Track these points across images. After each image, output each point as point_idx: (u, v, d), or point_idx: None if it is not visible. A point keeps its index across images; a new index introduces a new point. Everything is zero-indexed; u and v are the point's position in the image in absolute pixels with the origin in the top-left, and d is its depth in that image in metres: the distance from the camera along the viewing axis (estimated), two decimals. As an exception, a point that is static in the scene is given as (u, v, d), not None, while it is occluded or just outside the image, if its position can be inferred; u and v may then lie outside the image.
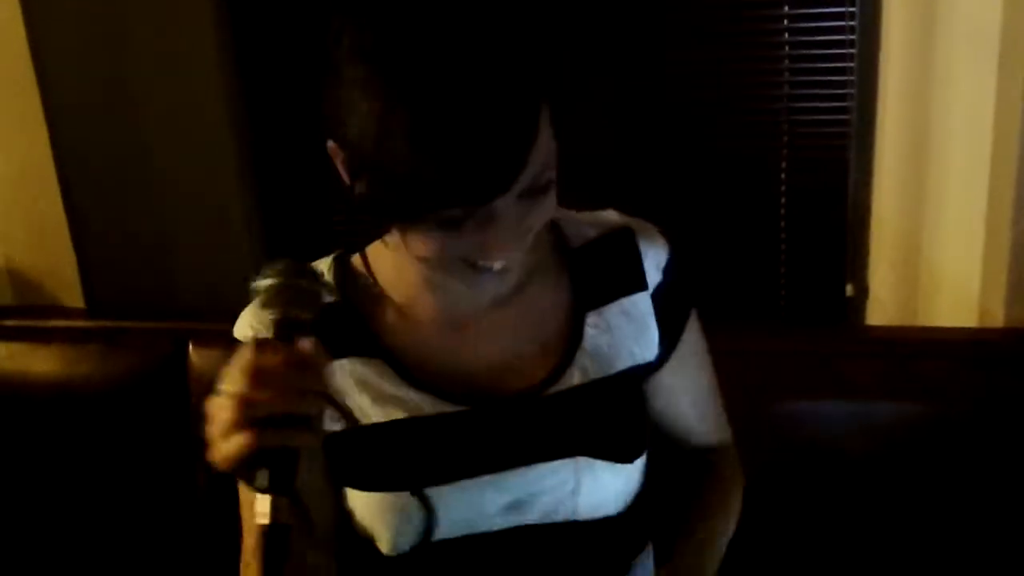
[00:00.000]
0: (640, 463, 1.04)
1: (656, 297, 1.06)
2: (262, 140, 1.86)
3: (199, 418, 0.77)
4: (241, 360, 0.76)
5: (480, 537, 0.98)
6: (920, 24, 1.53)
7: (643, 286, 1.06)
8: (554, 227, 1.06)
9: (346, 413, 0.90)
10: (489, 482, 0.96)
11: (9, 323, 1.90)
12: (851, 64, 1.60)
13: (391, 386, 0.98)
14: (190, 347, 1.71)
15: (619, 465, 1.01)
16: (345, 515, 1.00)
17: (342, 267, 1.03)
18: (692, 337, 1.10)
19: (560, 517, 0.99)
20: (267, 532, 0.74)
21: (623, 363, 1.04)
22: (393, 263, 1.02)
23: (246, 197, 1.87)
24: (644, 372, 1.07)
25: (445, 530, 0.96)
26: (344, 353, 0.98)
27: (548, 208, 0.89)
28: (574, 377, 1.01)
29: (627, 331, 1.04)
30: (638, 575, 1.08)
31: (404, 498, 0.95)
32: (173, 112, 1.81)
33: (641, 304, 1.05)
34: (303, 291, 0.80)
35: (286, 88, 1.82)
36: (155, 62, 1.79)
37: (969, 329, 1.60)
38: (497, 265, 0.89)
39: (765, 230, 1.74)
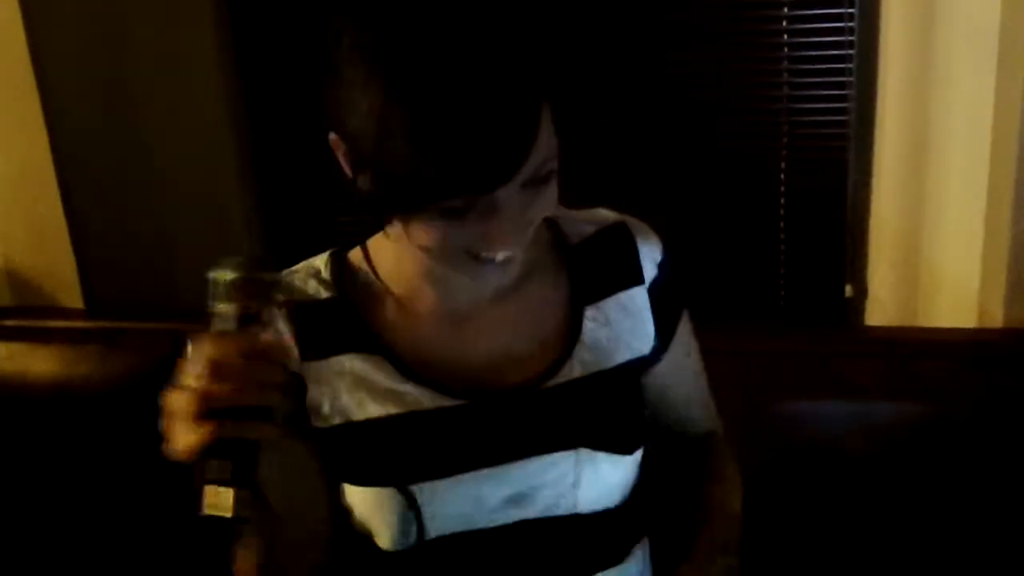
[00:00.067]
0: (638, 455, 1.05)
1: (652, 292, 1.07)
2: (262, 140, 1.86)
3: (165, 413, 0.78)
4: (200, 352, 0.76)
5: (479, 533, 0.98)
6: (919, 24, 1.53)
7: (640, 280, 1.06)
8: (552, 225, 1.06)
9: (305, 406, 0.89)
10: (489, 475, 0.97)
11: (8, 323, 1.90)
12: (850, 64, 1.60)
13: (389, 381, 0.98)
14: (189, 348, 1.71)
15: (619, 457, 1.01)
16: (343, 512, 1.01)
17: (338, 263, 1.03)
18: (685, 331, 1.12)
19: (561, 511, 0.99)
20: (224, 525, 0.74)
21: (621, 356, 1.04)
22: (394, 257, 1.02)
23: (246, 197, 1.87)
24: (641, 365, 1.07)
25: (445, 525, 0.97)
26: (341, 349, 0.98)
27: (550, 199, 0.89)
28: (574, 370, 1.01)
29: (625, 325, 1.05)
30: (634, 566, 1.08)
31: (404, 493, 0.95)
32: (173, 112, 1.81)
33: (638, 298, 1.06)
34: (264, 284, 0.80)
35: (286, 88, 1.82)
36: (155, 62, 1.79)
37: (969, 329, 1.60)
38: (500, 256, 0.89)
39: (764, 230, 1.74)
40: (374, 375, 0.98)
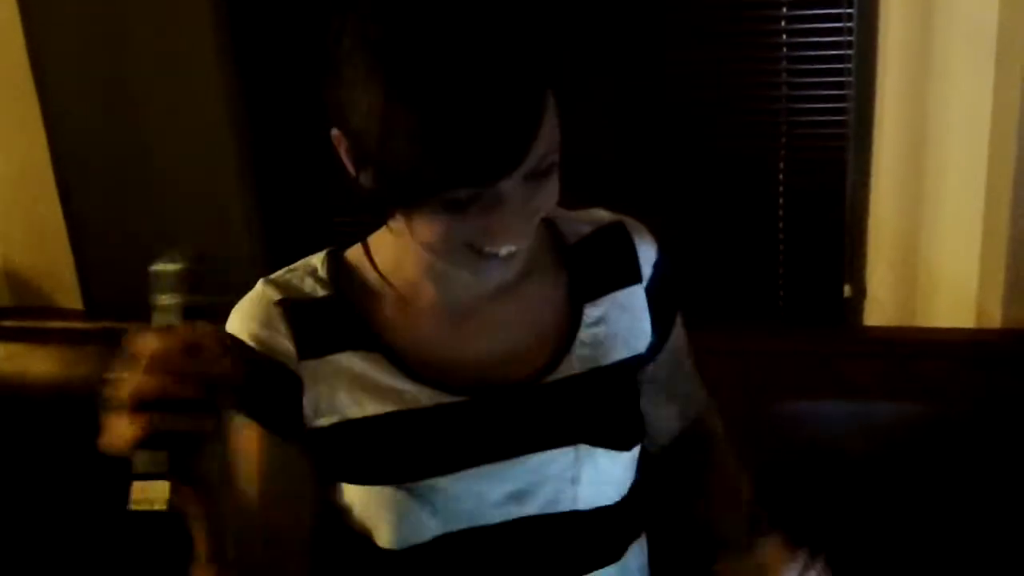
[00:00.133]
0: (636, 451, 1.05)
1: (649, 291, 1.08)
2: (262, 140, 1.86)
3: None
4: (136, 344, 0.75)
5: (479, 530, 0.98)
6: (917, 24, 1.54)
7: (638, 279, 1.07)
8: (549, 224, 1.07)
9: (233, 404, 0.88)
10: (490, 472, 0.97)
11: (7, 324, 1.90)
12: (849, 65, 1.60)
13: (388, 378, 0.97)
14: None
15: (617, 453, 1.02)
16: (337, 511, 1.00)
17: (335, 262, 1.03)
18: (679, 330, 1.13)
19: (561, 507, 1.00)
20: (155, 518, 0.74)
21: (619, 354, 1.05)
22: (394, 253, 1.02)
23: (246, 197, 1.87)
24: (638, 363, 1.08)
25: (446, 523, 0.97)
26: (339, 347, 0.98)
27: (552, 192, 0.89)
28: (573, 366, 1.02)
29: (623, 322, 1.06)
30: (631, 562, 1.09)
31: (405, 491, 0.95)
32: (172, 112, 1.81)
33: (636, 297, 1.07)
34: (203, 277, 0.80)
35: (286, 87, 1.82)
36: (154, 62, 1.79)
37: (967, 329, 1.61)
38: (503, 251, 0.89)
39: (763, 231, 1.74)
40: (373, 373, 0.98)
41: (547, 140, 0.84)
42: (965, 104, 1.53)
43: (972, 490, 1.48)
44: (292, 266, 1.03)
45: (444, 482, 0.95)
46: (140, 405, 0.73)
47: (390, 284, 1.02)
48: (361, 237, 1.05)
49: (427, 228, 0.87)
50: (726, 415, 1.19)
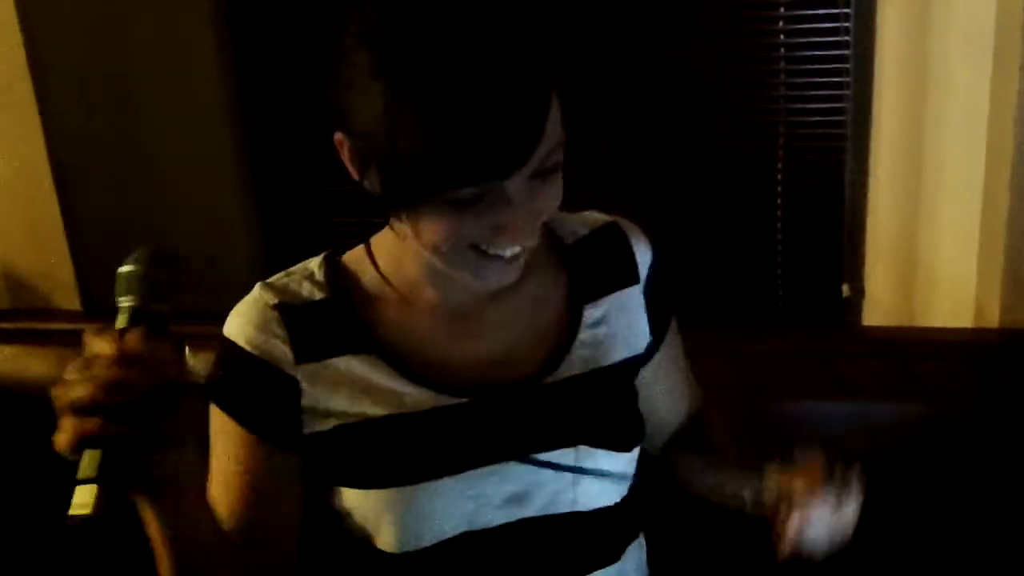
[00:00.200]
0: (635, 452, 1.06)
1: (645, 291, 1.09)
2: (262, 140, 1.86)
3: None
4: (84, 346, 0.75)
5: (479, 532, 0.98)
6: (915, 24, 1.54)
7: (636, 279, 1.08)
8: (546, 226, 1.07)
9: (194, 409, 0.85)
10: (491, 473, 0.97)
11: (5, 326, 1.90)
12: (847, 65, 1.60)
13: (388, 381, 0.98)
14: (186, 350, 1.71)
15: (617, 454, 1.02)
16: (335, 515, 1.00)
17: (332, 265, 1.03)
18: (674, 329, 1.14)
19: (560, 508, 1.00)
20: (78, 523, 0.73)
21: (619, 354, 1.06)
22: (395, 255, 1.02)
23: (245, 198, 1.86)
24: (636, 363, 1.09)
25: (447, 524, 0.97)
26: (338, 351, 0.98)
27: (556, 192, 0.89)
28: (573, 366, 1.02)
29: (622, 323, 1.07)
30: (629, 563, 1.09)
31: (407, 493, 0.95)
32: (171, 113, 1.81)
33: (634, 297, 1.08)
34: (160, 282, 0.77)
35: (285, 89, 1.81)
36: (154, 62, 1.79)
37: (966, 329, 1.61)
38: (508, 252, 0.89)
39: (761, 231, 1.74)
40: (372, 376, 0.98)
41: (553, 137, 0.84)
42: (963, 104, 1.54)
43: (971, 489, 1.48)
44: (290, 269, 1.03)
45: (445, 484, 0.95)
46: (76, 409, 0.72)
47: (391, 285, 1.01)
48: (360, 239, 1.05)
49: (432, 229, 0.86)
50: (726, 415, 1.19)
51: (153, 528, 0.82)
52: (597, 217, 1.11)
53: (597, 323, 1.05)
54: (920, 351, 1.56)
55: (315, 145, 0.92)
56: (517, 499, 0.98)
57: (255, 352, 0.96)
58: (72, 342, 0.76)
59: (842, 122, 1.63)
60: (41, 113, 1.86)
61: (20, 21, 1.82)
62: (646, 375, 1.11)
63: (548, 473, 0.98)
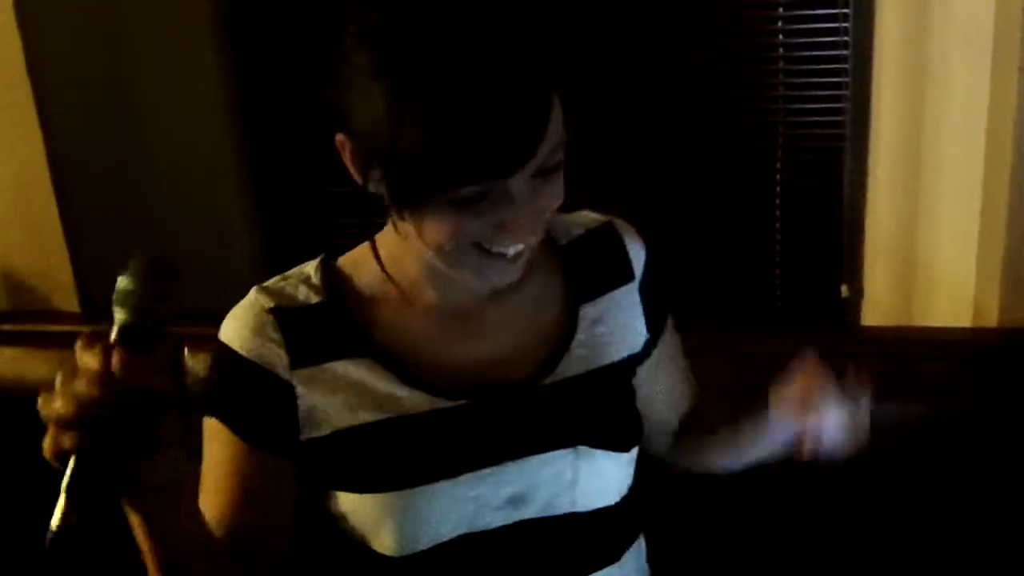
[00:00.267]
0: (634, 452, 1.06)
1: (641, 289, 1.09)
2: (261, 141, 1.86)
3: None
4: (75, 354, 0.74)
5: (478, 535, 0.98)
6: (914, 24, 1.54)
7: (631, 278, 1.09)
8: None
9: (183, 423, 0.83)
10: (490, 475, 0.97)
11: (5, 327, 1.90)
12: (846, 65, 1.60)
13: (385, 385, 0.97)
14: (185, 351, 1.70)
15: (616, 454, 1.02)
16: (331, 519, 1.00)
17: (328, 269, 1.03)
18: (670, 326, 1.14)
19: (559, 510, 1.00)
20: (59, 534, 0.74)
21: (617, 353, 1.06)
22: (396, 254, 1.01)
23: (246, 198, 1.86)
24: (634, 361, 1.09)
25: (446, 527, 0.97)
26: (335, 355, 0.98)
27: (558, 191, 0.90)
28: (571, 367, 1.02)
29: (619, 322, 1.07)
30: (629, 563, 1.09)
31: (406, 497, 0.95)
32: (171, 114, 1.81)
33: (630, 296, 1.08)
34: (155, 297, 0.76)
35: (286, 89, 1.81)
36: (154, 63, 1.79)
37: (965, 329, 1.61)
38: (511, 251, 0.89)
39: (760, 231, 1.74)
40: (369, 380, 0.97)
41: (555, 135, 0.84)
42: (962, 104, 1.54)
43: (970, 489, 1.48)
44: (286, 273, 1.03)
45: (443, 487, 0.95)
46: (55, 422, 0.72)
47: (393, 282, 1.01)
48: (360, 240, 1.05)
49: (436, 228, 0.86)
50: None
51: (140, 535, 0.82)
52: (591, 216, 1.12)
53: (595, 323, 1.05)
54: (919, 351, 1.56)
55: (315, 146, 0.92)
56: (516, 501, 0.98)
57: (250, 357, 0.96)
58: (71, 344, 0.76)
59: (841, 122, 1.63)
60: (40, 114, 1.86)
61: (19, 22, 1.82)
62: (644, 373, 1.11)
63: (547, 474, 0.98)
